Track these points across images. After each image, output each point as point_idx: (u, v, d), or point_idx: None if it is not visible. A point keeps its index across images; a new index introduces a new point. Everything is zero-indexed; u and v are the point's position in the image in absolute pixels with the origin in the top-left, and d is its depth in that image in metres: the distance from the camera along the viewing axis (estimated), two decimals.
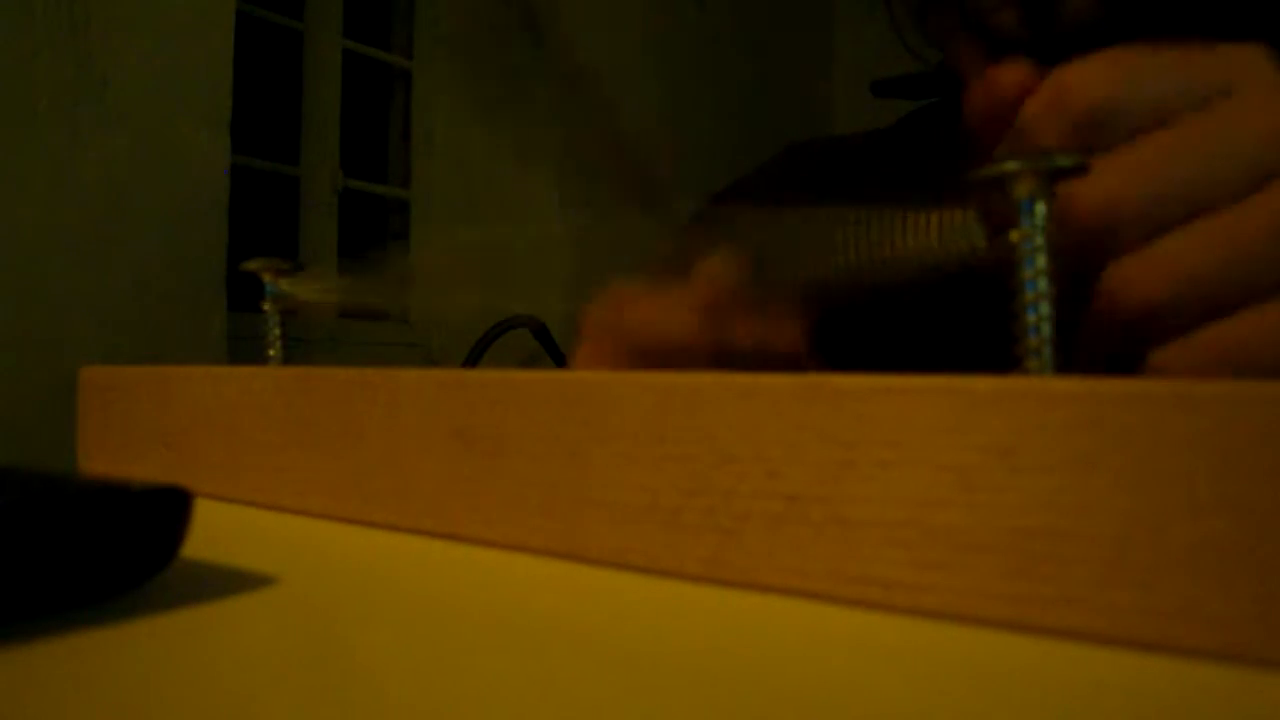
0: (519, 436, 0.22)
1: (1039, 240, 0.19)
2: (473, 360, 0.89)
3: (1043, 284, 0.19)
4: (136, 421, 0.33)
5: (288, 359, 0.33)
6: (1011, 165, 0.19)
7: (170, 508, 0.18)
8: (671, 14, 1.41)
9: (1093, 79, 0.22)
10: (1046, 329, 0.19)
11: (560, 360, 0.95)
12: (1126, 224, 0.21)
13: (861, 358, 0.23)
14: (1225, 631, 0.14)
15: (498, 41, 1.17)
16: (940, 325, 0.34)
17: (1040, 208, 0.19)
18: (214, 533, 0.20)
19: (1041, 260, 0.19)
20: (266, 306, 0.33)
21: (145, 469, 0.32)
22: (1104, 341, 0.21)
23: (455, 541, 0.23)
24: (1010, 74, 0.23)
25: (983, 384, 0.16)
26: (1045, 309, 0.19)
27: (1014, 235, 0.19)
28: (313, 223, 1.22)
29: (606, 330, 0.31)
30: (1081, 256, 0.21)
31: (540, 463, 0.21)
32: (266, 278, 0.33)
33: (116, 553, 0.17)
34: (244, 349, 0.90)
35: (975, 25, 0.43)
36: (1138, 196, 0.21)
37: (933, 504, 0.16)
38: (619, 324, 0.31)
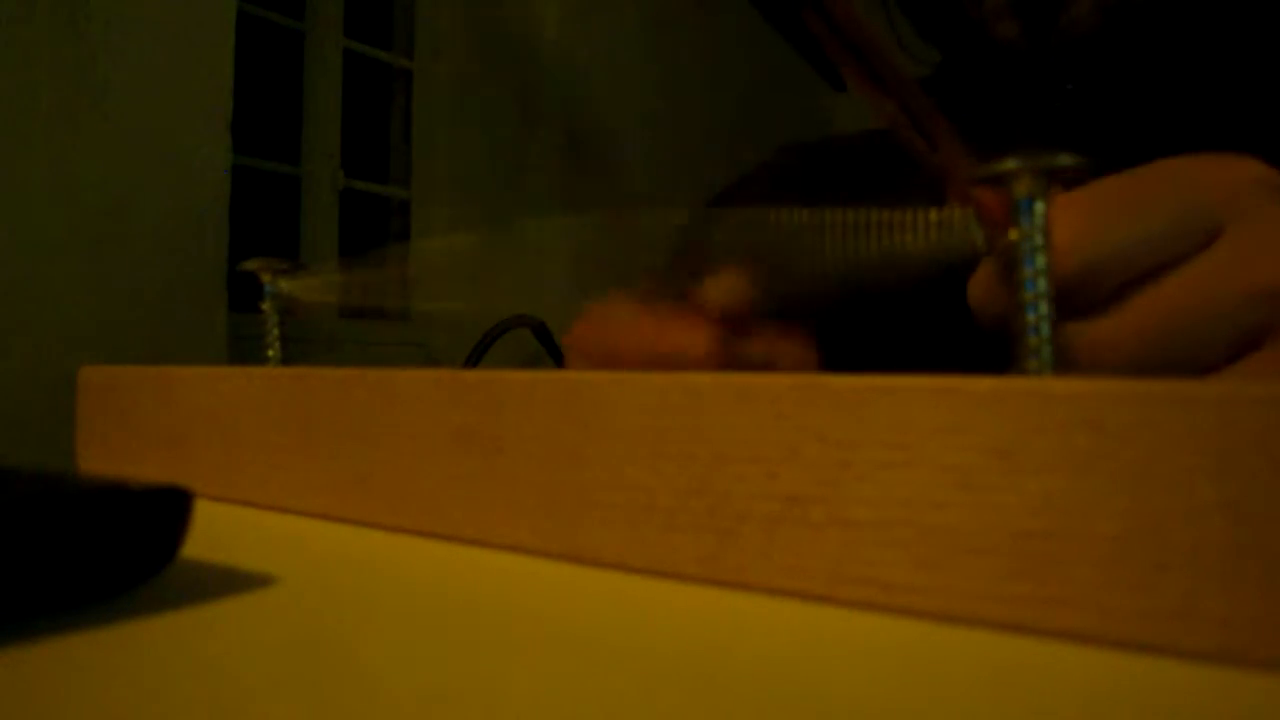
0: (519, 436, 0.22)
1: (1038, 240, 0.19)
2: (473, 360, 0.89)
3: (1042, 284, 0.19)
4: (136, 421, 0.33)
5: (287, 359, 0.33)
6: (1011, 164, 0.19)
7: (170, 508, 0.18)
8: (671, 14, 1.41)
9: (1075, 240, 0.20)
10: (1046, 329, 0.19)
11: (560, 360, 0.95)
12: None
13: (861, 358, 0.23)
14: (1225, 632, 0.14)
15: None
16: (939, 325, 0.34)
17: (1039, 207, 0.19)
18: (214, 533, 0.20)
19: (1040, 260, 0.19)
20: (266, 306, 0.33)
21: (145, 469, 0.32)
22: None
23: (454, 542, 0.23)
24: (994, 197, 0.22)
25: (983, 384, 0.16)
26: (1044, 309, 0.19)
27: (1013, 234, 0.19)
28: (313, 223, 1.22)
29: (597, 349, 0.31)
30: None
31: (539, 463, 0.21)
32: (265, 278, 0.33)
33: (116, 553, 0.17)
34: (244, 349, 0.90)
35: (969, 43, 0.43)
36: (1125, 365, 0.21)
37: (932, 505, 0.16)
38: (615, 342, 0.31)
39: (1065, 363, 0.19)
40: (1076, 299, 0.21)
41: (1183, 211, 0.21)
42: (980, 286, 0.23)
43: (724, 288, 0.29)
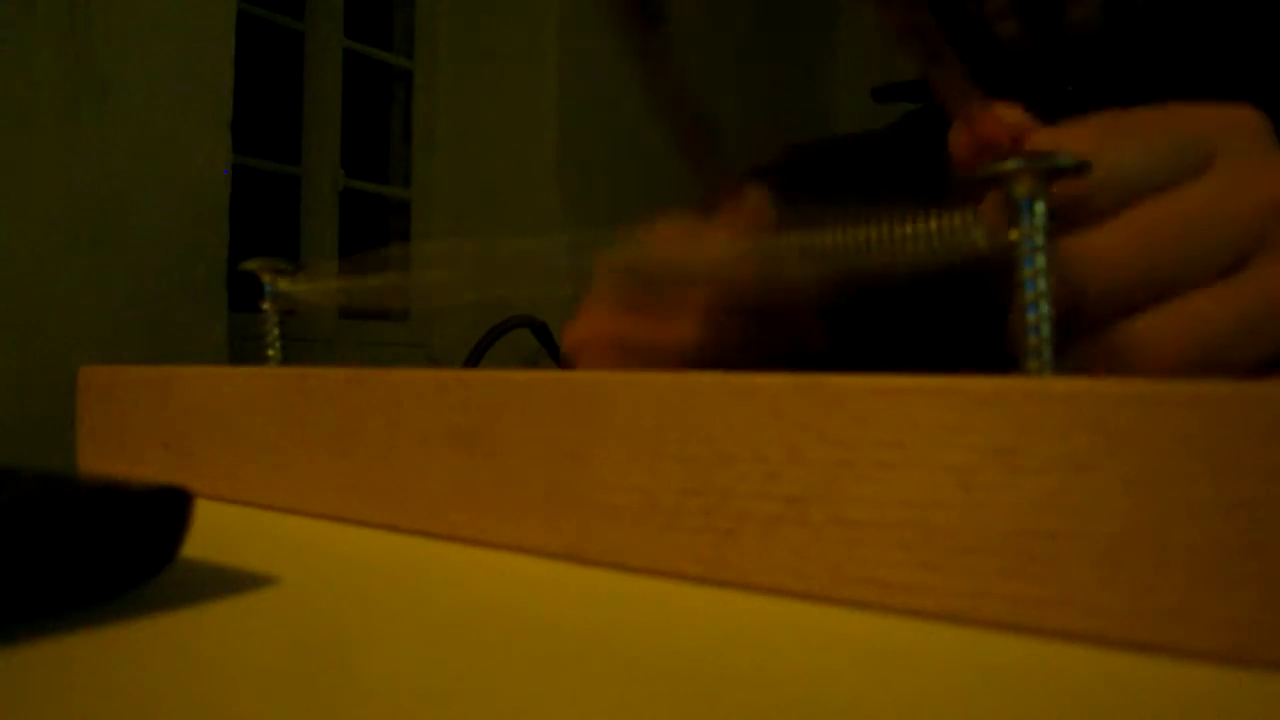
0: (518, 437, 0.22)
1: (1038, 240, 0.19)
2: (473, 360, 0.90)
3: (1042, 284, 0.19)
4: (136, 421, 0.33)
5: (287, 359, 0.33)
6: (1011, 165, 0.19)
7: (170, 508, 0.18)
8: (671, 14, 1.41)
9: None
10: (1046, 329, 0.19)
11: (561, 360, 0.95)
12: (1100, 303, 0.21)
13: (861, 358, 0.23)
14: (1225, 632, 0.14)
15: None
16: (940, 325, 0.34)
17: (1039, 207, 0.19)
18: (214, 533, 0.20)
19: (1041, 260, 0.19)
20: (266, 306, 0.33)
21: (145, 469, 0.32)
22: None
23: (454, 542, 0.23)
24: (996, 123, 0.23)
25: (983, 384, 0.16)
26: (1045, 309, 0.19)
27: (1013, 235, 0.19)
28: (313, 223, 1.22)
29: (595, 355, 0.31)
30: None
31: (539, 463, 0.21)
32: (265, 278, 0.33)
33: (116, 553, 0.17)
34: (244, 349, 0.90)
35: (971, 43, 0.43)
36: (1110, 280, 0.21)
37: (932, 504, 0.16)
38: (615, 340, 0.31)
39: (1060, 278, 0.20)
40: (1077, 215, 0.22)
41: (1178, 142, 0.22)
42: (957, 141, 0.24)
43: (750, 203, 0.30)
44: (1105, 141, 0.22)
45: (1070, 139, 0.21)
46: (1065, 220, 0.21)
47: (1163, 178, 0.22)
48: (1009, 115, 0.23)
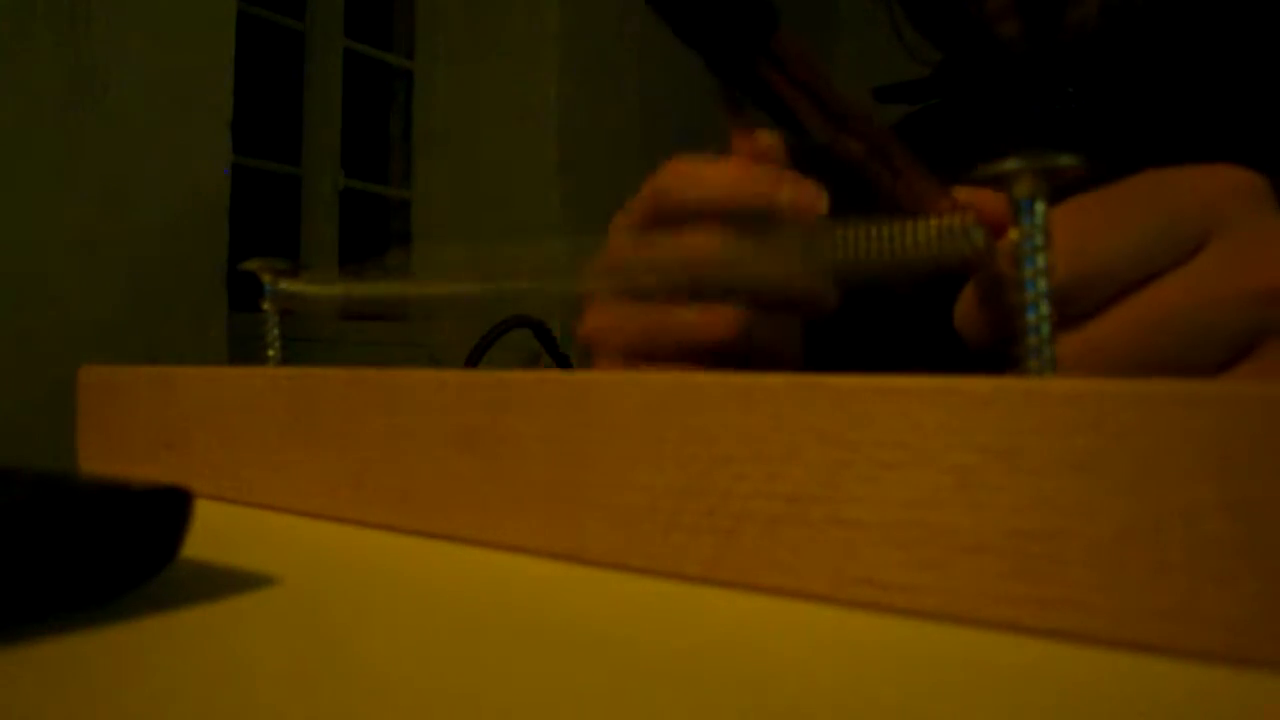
0: (519, 437, 0.22)
1: (1039, 240, 0.19)
2: (473, 360, 0.89)
3: (1042, 284, 0.19)
4: (136, 421, 0.33)
5: (287, 359, 0.33)
6: (1011, 164, 0.19)
7: (170, 508, 0.18)
8: None
9: (1062, 255, 0.20)
10: (1046, 329, 0.19)
11: (561, 360, 0.95)
12: None
13: (861, 358, 0.23)
14: (1225, 632, 0.14)
15: None
16: (940, 326, 0.34)
17: (1040, 207, 0.19)
18: (214, 533, 0.20)
19: (1041, 260, 0.19)
20: (266, 306, 0.33)
21: (145, 469, 0.32)
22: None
23: (455, 542, 0.23)
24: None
25: (983, 384, 0.16)
26: (1045, 309, 0.19)
27: (1013, 234, 0.19)
28: (314, 223, 1.22)
29: (617, 344, 0.31)
30: None
31: (540, 463, 0.21)
32: (265, 278, 0.33)
33: (116, 553, 0.17)
34: (244, 349, 0.90)
35: (971, 43, 0.43)
36: (1114, 370, 0.20)
37: (932, 505, 0.16)
38: (635, 333, 0.31)
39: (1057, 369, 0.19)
40: (1065, 311, 0.21)
41: (1168, 222, 0.21)
42: (964, 310, 0.23)
43: (763, 141, 0.30)
44: (1086, 233, 0.21)
45: (1056, 225, 0.20)
46: (1058, 316, 0.20)
47: (1156, 262, 0.21)
48: (965, 195, 0.23)
